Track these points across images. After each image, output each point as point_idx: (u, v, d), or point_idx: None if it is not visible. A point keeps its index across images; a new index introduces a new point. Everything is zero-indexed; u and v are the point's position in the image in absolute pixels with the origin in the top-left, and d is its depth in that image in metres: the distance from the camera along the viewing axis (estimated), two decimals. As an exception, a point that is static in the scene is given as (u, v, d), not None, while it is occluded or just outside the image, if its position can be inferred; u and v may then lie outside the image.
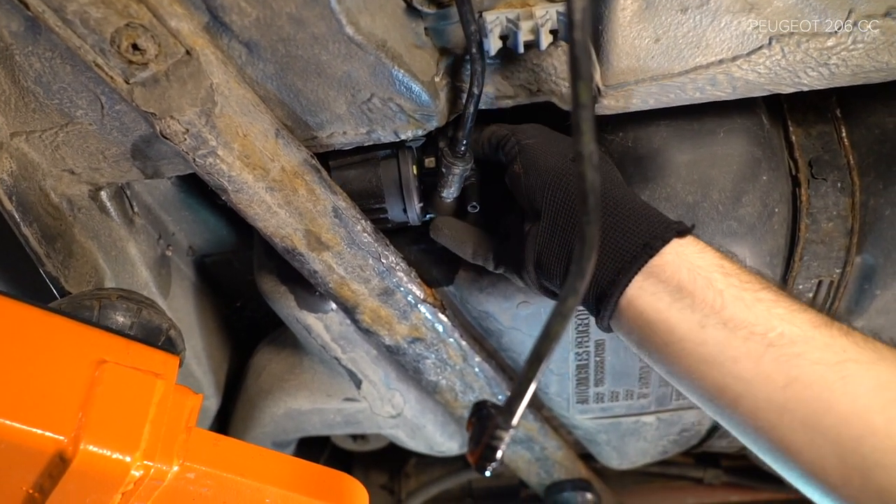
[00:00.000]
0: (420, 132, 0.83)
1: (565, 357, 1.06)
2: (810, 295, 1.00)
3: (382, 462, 1.75)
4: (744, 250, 0.92)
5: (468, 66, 0.80)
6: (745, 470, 1.64)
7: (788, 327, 0.61)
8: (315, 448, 1.60)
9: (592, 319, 1.01)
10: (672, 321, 0.65)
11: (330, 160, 0.90)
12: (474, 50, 0.74)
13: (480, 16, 0.75)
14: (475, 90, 0.78)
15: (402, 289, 0.95)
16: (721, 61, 0.78)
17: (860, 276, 0.99)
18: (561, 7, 0.75)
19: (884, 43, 0.76)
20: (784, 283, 0.98)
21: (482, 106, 0.84)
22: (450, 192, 0.90)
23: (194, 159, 0.77)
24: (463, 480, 1.66)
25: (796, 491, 0.62)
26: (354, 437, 1.51)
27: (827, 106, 0.98)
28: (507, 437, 0.54)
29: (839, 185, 0.96)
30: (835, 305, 1.00)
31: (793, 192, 0.96)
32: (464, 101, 0.82)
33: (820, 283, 0.99)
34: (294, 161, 0.81)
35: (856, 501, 0.55)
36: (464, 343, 1.03)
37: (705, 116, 0.90)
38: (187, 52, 0.71)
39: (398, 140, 0.85)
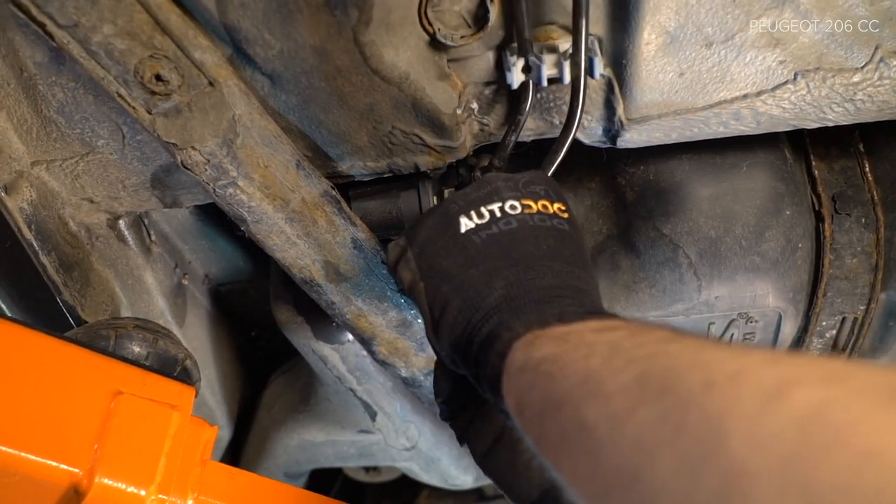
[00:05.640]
0: (441, 164, 0.83)
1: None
2: (834, 332, 0.98)
3: (394, 494, 1.73)
4: (766, 286, 0.90)
5: (491, 99, 0.79)
6: None
7: None
8: (326, 479, 1.58)
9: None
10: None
11: (350, 191, 0.89)
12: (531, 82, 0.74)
13: (504, 49, 0.75)
14: (520, 117, 0.76)
15: (419, 321, 0.94)
16: (745, 96, 0.77)
17: (885, 312, 0.97)
18: (584, 40, 0.74)
19: (911, 79, 0.75)
20: (807, 319, 0.96)
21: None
22: None
23: (214, 189, 0.77)
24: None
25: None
26: (366, 469, 1.50)
27: (850, 140, 0.97)
28: None
29: (863, 220, 0.94)
30: (859, 343, 0.98)
31: (816, 228, 0.95)
32: (483, 132, 0.82)
33: (844, 319, 0.97)
34: (315, 192, 0.81)
35: None
36: (481, 376, 1.02)
37: (728, 150, 0.90)
38: (210, 84, 0.71)
39: (419, 171, 0.84)
